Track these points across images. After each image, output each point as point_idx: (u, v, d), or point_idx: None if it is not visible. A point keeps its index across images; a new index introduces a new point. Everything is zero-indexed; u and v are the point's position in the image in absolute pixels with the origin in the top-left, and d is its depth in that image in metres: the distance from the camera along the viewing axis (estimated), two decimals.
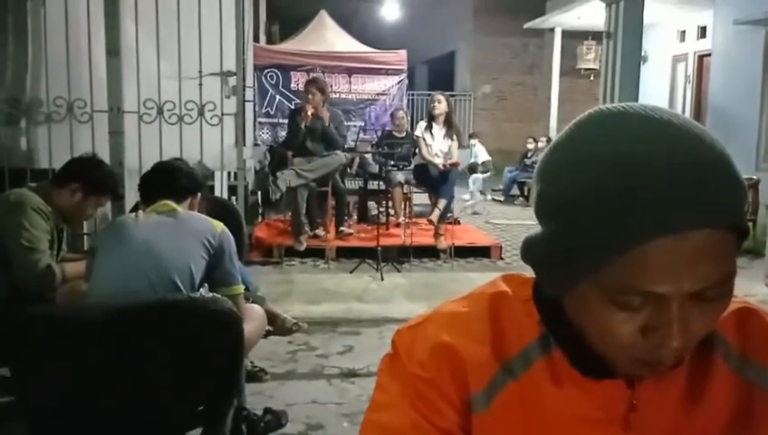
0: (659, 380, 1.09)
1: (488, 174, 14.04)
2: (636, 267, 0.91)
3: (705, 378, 1.13)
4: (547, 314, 1.13)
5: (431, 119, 9.15)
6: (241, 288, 3.50)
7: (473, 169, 13.91)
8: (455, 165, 8.94)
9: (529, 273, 1.16)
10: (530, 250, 1.07)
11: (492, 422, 1.11)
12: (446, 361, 1.12)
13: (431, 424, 1.09)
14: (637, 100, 7.09)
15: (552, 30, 16.98)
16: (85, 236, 5.55)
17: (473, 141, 14.86)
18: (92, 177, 3.88)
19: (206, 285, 3.40)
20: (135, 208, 3.93)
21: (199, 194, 3.81)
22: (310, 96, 8.31)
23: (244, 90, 6.20)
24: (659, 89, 15.27)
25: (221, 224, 3.44)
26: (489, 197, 14.69)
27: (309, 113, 8.13)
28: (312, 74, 10.86)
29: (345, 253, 8.39)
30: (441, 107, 9.07)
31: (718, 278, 0.93)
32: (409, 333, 1.18)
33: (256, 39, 12.11)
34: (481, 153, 14.66)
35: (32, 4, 5.61)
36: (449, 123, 9.11)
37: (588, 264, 0.95)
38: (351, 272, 7.68)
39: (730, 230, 0.93)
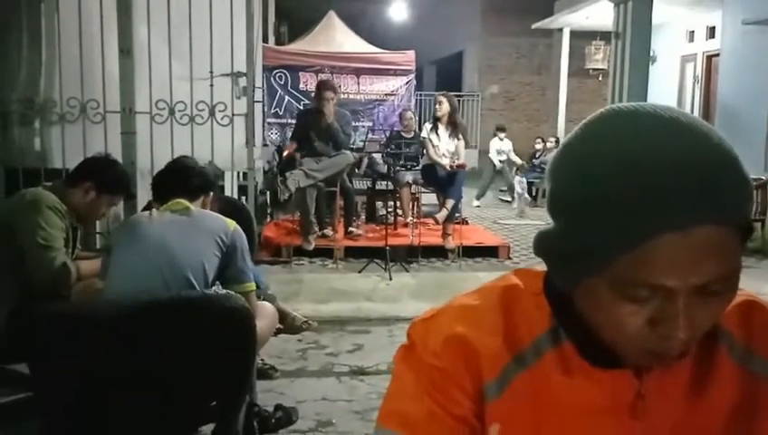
0: (666, 370, 1.13)
1: (523, 177, 13.56)
2: (644, 262, 0.94)
3: (709, 369, 1.17)
4: (557, 307, 1.17)
5: (436, 120, 9.17)
6: (253, 286, 3.56)
7: (520, 169, 13.67)
8: (462, 166, 8.97)
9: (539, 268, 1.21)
10: (541, 245, 1.10)
11: (504, 410, 1.15)
12: (460, 351, 1.15)
13: (446, 411, 1.13)
14: (645, 100, 7.12)
15: (561, 30, 16.97)
16: (98, 235, 5.61)
17: (501, 135, 14.59)
18: (105, 176, 3.93)
19: (218, 282, 3.44)
20: (148, 207, 3.97)
21: (212, 193, 3.87)
22: (328, 101, 8.32)
23: (253, 90, 6.24)
24: (668, 89, 15.26)
25: (233, 222, 3.50)
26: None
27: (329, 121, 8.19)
28: (320, 75, 10.89)
29: (353, 252, 8.42)
30: (443, 108, 9.13)
31: (723, 273, 0.96)
32: (424, 325, 1.21)
33: (265, 40, 12.13)
34: (508, 148, 14.40)
35: (45, 6, 5.67)
36: (454, 123, 9.13)
37: (597, 259, 0.98)
38: (360, 272, 7.70)
39: (735, 227, 0.96)
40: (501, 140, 14.37)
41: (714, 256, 0.95)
